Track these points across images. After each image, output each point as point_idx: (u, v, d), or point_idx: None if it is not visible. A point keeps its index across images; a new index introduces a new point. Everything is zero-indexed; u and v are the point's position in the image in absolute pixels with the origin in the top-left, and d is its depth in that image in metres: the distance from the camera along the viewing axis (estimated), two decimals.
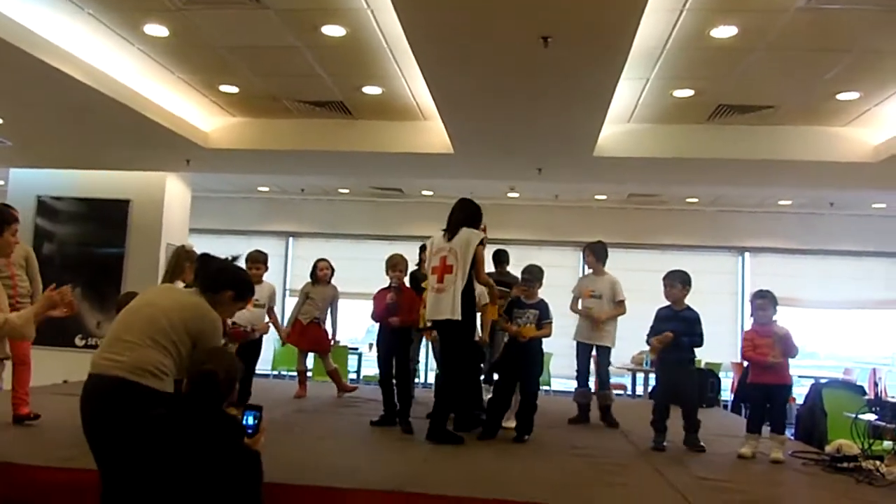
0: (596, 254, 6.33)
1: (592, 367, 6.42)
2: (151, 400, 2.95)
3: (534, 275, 5.56)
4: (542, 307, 5.45)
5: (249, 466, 2.66)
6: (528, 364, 5.39)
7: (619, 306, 6.22)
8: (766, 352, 4.98)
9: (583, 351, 6.35)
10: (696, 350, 5.41)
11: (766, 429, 5.13)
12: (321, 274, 7.04)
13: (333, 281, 7.14)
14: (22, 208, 7.16)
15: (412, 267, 6.38)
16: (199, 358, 2.76)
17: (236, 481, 2.60)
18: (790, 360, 5.06)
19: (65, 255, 9.81)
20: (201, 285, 3.29)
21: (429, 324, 5.39)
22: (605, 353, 6.28)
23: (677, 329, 5.18)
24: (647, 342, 5.36)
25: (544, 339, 5.49)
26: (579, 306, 6.39)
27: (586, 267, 6.51)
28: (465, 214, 5.23)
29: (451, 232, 5.19)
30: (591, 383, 6.46)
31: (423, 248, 7.04)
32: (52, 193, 9.98)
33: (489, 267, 5.96)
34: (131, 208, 9.86)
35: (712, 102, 6.98)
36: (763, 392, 5.08)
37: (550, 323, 5.46)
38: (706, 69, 6.11)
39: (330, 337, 7.12)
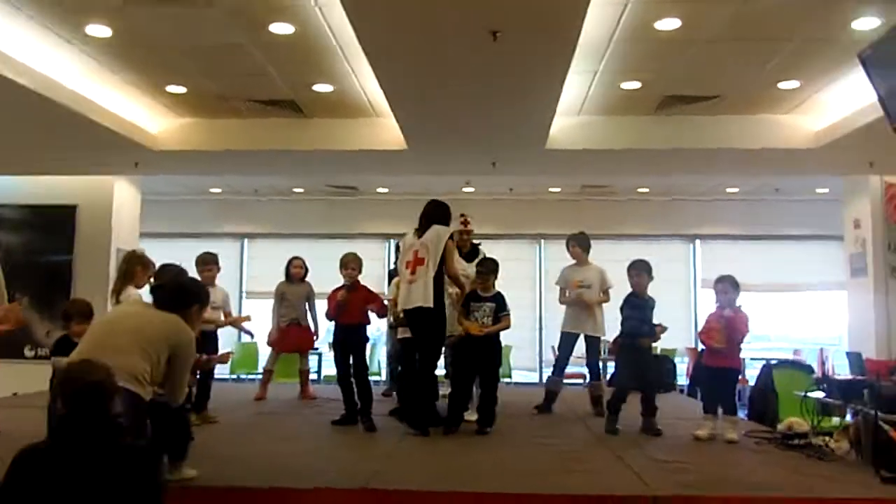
0: (581, 244, 6.43)
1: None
2: (135, 405, 3.05)
3: (489, 268, 5.61)
4: (499, 300, 5.49)
5: (143, 462, 2.61)
6: (485, 357, 5.43)
7: (607, 294, 6.30)
8: (716, 336, 5.14)
9: (567, 341, 6.39)
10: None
11: (720, 411, 5.28)
12: (294, 272, 7.01)
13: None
14: None
15: (387, 266, 6.43)
16: (74, 371, 2.70)
17: (132, 480, 2.51)
18: (742, 344, 5.22)
19: (11, 264, 9.43)
20: (167, 306, 3.41)
21: (401, 315, 5.49)
22: (594, 342, 6.33)
23: (646, 316, 5.39)
24: (637, 331, 5.44)
25: (503, 332, 5.55)
26: (566, 296, 6.43)
27: (571, 258, 6.52)
28: (436, 214, 5.54)
29: (422, 230, 5.42)
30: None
31: (398, 247, 7.09)
32: None
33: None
34: (78, 214, 9.61)
35: (659, 94, 7.11)
36: (713, 375, 5.24)
37: (508, 315, 5.51)
38: (652, 61, 6.22)
39: (314, 336, 7.07)
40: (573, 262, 6.50)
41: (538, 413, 6.32)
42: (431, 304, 5.17)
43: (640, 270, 5.52)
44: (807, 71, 6.47)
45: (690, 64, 6.26)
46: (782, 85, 6.84)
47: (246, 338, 11.61)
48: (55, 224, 9.60)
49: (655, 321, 5.49)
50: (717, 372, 5.22)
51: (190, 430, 4.06)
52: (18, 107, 6.44)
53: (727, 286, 5.22)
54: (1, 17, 5.31)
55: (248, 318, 6.83)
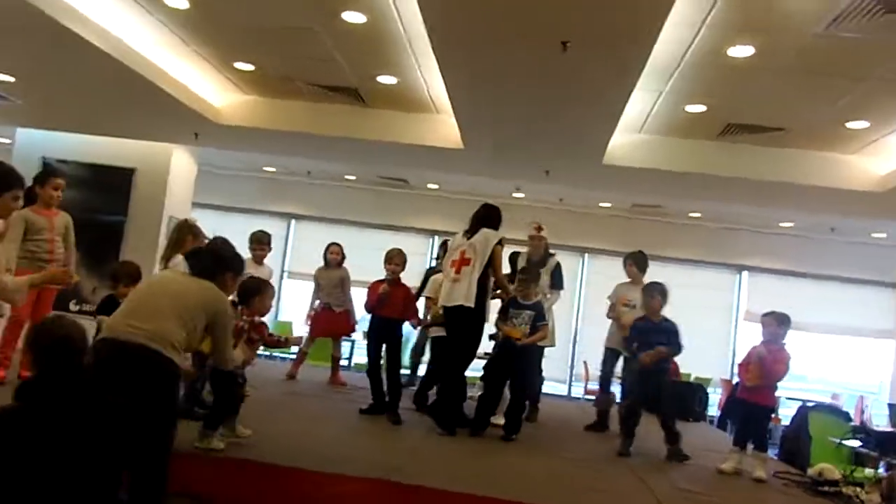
0: (637, 264, 6.34)
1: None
2: (168, 369, 3.13)
3: (531, 275, 5.60)
4: (538, 308, 5.48)
5: (118, 415, 2.60)
6: (519, 364, 5.42)
7: None
8: (748, 372, 5.07)
9: (610, 357, 6.34)
10: (686, 364, 5.47)
11: (751, 447, 5.18)
12: (331, 258, 7.09)
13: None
14: (27, 169, 7.13)
15: (429, 262, 6.46)
16: (51, 325, 2.71)
17: (108, 433, 2.53)
18: (779, 384, 5.12)
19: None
20: (202, 273, 3.46)
21: (440, 312, 5.53)
22: (631, 363, 6.22)
23: (659, 341, 5.26)
24: (632, 354, 5.40)
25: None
26: (611, 312, 6.38)
27: (626, 276, 6.44)
28: (487, 217, 5.62)
29: (471, 231, 5.52)
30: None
31: (444, 245, 7.13)
32: (57, 156, 9.93)
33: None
34: (136, 177, 9.83)
35: (723, 120, 7.00)
36: (746, 409, 5.15)
37: (546, 325, 5.49)
38: (720, 86, 6.13)
39: (349, 322, 7.12)
40: (629, 279, 6.40)
41: (589, 431, 6.29)
42: (472, 304, 5.20)
43: (653, 292, 5.42)
44: (878, 112, 6.31)
45: (758, 93, 6.15)
46: (851, 124, 6.67)
47: (282, 316, 11.90)
48: (113, 185, 9.84)
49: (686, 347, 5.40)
50: (749, 407, 5.13)
51: (237, 393, 4.20)
52: (92, 68, 6.61)
53: (772, 321, 5.13)
54: None
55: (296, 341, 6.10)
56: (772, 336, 5.09)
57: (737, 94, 6.27)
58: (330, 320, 7.05)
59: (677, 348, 5.33)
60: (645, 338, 5.30)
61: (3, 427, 2.44)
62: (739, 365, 5.27)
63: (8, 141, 10.77)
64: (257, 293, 4.27)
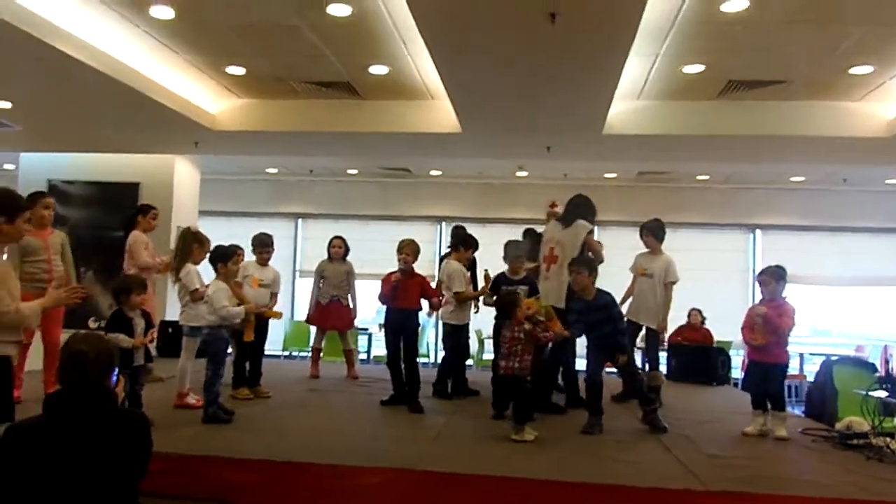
0: (654, 233, 6.16)
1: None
2: None
3: (519, 250, 5.62)
4: (530, 282, 5.48)
5: (136, 428, 2.68)
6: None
7: (667, 288, 5.98)
8: (751, 332, 5.02)
9: (631, 330, 6.23)
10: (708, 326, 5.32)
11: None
12: (333, 251, 7.07)
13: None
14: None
15: (438, 250, 6.51)
16: (72, 340, 2.77)
17: (127, 445, 2.60)
18: (790, 338, 5.05)
19: (77, 239, 9.76)
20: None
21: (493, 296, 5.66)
22: (654, 334, 6.10)
23: (598, 319, 5.04)
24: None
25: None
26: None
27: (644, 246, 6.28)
28: (580, 207, 5.80)
29: (565, 221, 5.73)
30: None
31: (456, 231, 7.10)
32: (62, 177, 10.00)
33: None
34: (141, 191, 9.86)
35: (722, 78, 6.89)
36: (759, 370, 5.10)
37: (539, 298, 5.47)
38: (716, 44, 6.02)
39: (352, 315, 7.14)
40: (647, 250, 6.26)
41: (615, 402, 6.22)
42: (563, 305, 5.29)
43: (578, 268, 5.10)
44: (881, 56, 6.17)
45: (757, 47, 6.04)
46: (854, 70, 6.54)
47: (298, 315, 11.93)
48: (119, 200, 9.86)
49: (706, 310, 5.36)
50: (761, 367, 5.08)
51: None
52: (85, 87, 6.61)
53: (768, 278, 5.07)
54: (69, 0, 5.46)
55: (278, 315, 6.38)
56: (770, 293, 5.04)
57: (734, 50, 6.16)
58: (336, 314, 7.05)
59: (620, 323, 5.17)
60: (583, 318, 5.08)
61: (29, 437, 2.54)
62: (742, 328, 5.19)
63: (13, 166, 10.85)
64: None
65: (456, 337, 6.30)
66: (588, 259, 5.30)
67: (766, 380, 5.06)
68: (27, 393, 5.00)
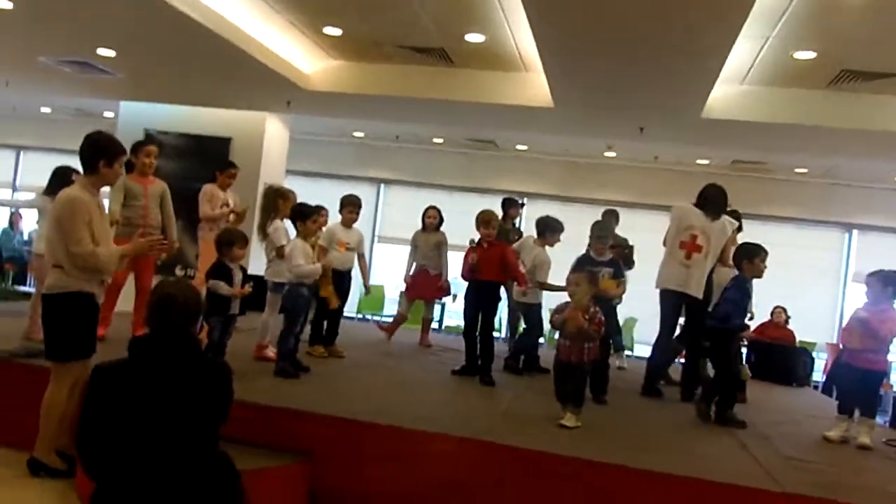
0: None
1: None
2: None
3: (604, 230, 5.51)
4: (616, 264, 5.38)
5: (219, 377, 2.74)
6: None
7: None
8: (849, 335, 4.80)
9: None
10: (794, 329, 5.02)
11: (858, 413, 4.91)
12: (428, 221, 7.09)
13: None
14: (131, 141, 7.48)
15: (521, 225, 6.45)
16: (162, 285, 2.83)
17: (209, 392, 2.68)
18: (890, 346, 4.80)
19: (169, 188, 10.21)
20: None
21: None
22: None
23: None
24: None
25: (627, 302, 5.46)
26: None
27: None
28: (719, 199, 5.65)
29: (709, 213, 5.56)
30: None
31: (508, 203, 7.02)
32: (158, 128, 10.35)
33: None
34: (232, 146, 10.12)
35: (835, 66, 6.51)
36: (853, 374, 4.86)
37: (625, 280, 5.39)
38: (832, 30, 5.69)
39: (442, 285, 7.12)
40: None
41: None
42: (700, 296, 5.37)
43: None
44: None
45: (875, 36, 5.67)
46: None
47: (374, 279, 12.07)
48: (211, 154, 10.14)
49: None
50: (856, 372, 4.83)
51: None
52: (185, 39, 6.79)
53: (876, 281, 4.81)
54: None
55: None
56: (875, 297, 4.78)
57: (851, 38, 5.81)
58: (426, 283, 7.07)
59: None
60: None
61: (114, 378, 2.63)
62: (843, 329, 4.98)
63: (112, 115, 11.30)
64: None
65: (531, 316, 6.26)
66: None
67: (860, 385, 4.83)
68: (114, 332, 5.23)
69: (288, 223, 5.50)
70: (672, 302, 5.59)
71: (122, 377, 2.63)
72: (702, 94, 6.76)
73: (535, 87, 7.50)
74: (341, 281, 5.93)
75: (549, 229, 6.23)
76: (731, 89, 7.21)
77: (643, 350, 10.86)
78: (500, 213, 6.81)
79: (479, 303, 5.61)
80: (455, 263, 6.18)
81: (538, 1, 5.17)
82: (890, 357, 4.95)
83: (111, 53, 7.80)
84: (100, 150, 3.74)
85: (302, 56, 7.97)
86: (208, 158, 10.18)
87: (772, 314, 8.69)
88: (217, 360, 3.14)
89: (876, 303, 4.77)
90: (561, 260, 6.06)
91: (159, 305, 2.72)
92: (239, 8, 6.63)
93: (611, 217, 6.88)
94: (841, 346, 5.14)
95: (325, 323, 6.04)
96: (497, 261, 5.58)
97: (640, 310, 9.21)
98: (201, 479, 2.62)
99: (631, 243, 6.65)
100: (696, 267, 5.47)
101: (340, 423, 3.95)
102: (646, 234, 7.13)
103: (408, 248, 7.23)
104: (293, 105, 8.99)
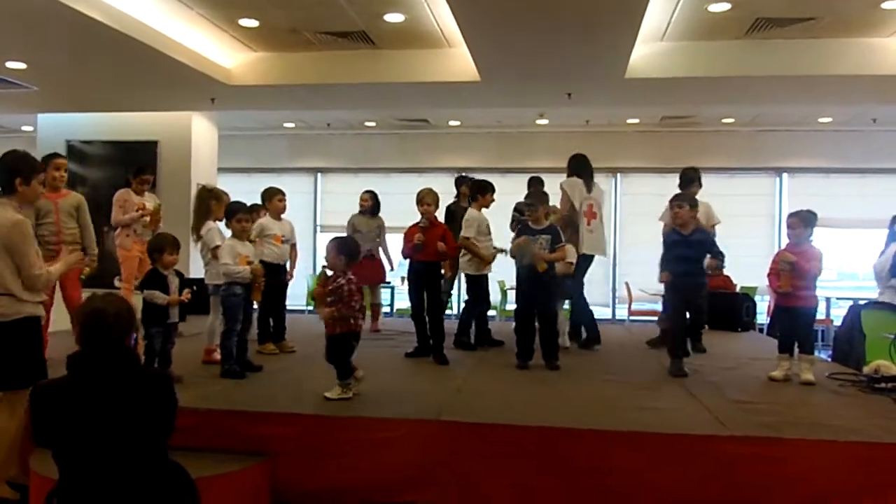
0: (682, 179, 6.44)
1: None
2: None
3: (537, 198, 5.53)
4: (553, 231, 5.41)
5: (159, 387, 2.68)
6: (542, 291, 5.36)
7: (712, 230, 6.15)
8: (777, 278, 4.94)
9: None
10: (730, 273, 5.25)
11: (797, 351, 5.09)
12: (362, 205, 7.06)
13: None
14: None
15: (446, 200, 6.42)
16: (91, 300, 2.74)
17: (151, 404, 2.61)
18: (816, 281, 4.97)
19: (97, 199, 9.87)
20: None
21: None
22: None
23: (688, 254, 5.13)
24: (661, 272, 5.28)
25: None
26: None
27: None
28: (587, 164, 6.41)
29: (588, 181, 6.33)
30: None
31: (459, 181, 7.04)
32: (81, 137, 10.03)
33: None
34: (160, 149, 9.88)
35: (750, 16, 6.66)
36: (788, 314, 5.03)
37: (564, 246, 5.43)
38: None
39: (386, 269, 7.15)
40: None
41: (651, 347, 6.37)
42: (606, 255, 5.88)
43: (681, 202, 5.24)
44: None
45: None
46: (886, 5, 6.31)
47: (320, 270, 11.99)
48: (138, 159, 9.81)
49: (728, 255, 5.29)
50: (789, 311, 5.01)
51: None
52: (99, 45, 6.57)
53: (797, 221, 4.96)
54: None
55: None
56: (797, 237, 4.93)
57: None
58: (369, 268, 7.05)
59: (719, 256, 5.23)
60: (674, 251, 5.18)
61: (54, 398, 2.58)
62: (769, 275, 5.11)
63: (30, 128, 10.88)
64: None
65: (476, 287, 6.28)
66: (692, 196, 5.47)
67: (795, 324, 5.00)
68: (52, 352, 5.07)
69: (222, 224, 5.40)
70: (586, 266, 6.29)
71: (62, 396, 2.56)
72: (623, 54, 6.84)
73: (460, 62, 7.49)
74: (279, 274, 5.86)
75: (480, 190, 6.23)
76: (651, 48, 7.32)
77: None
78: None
79: (424, 282, 5.62)
80: (394, 243, 6.16)
81: None
82: (826, 293, 5.14)
83: (21, 66, 7.51)
84: (14, 170, 3.65)
85: (221, 51, 7.78)
86: (136, 164, 9.88)
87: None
88: (156, 370, 3.08)
89: (798, 243, 4.92)
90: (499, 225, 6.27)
91: (90, 321, 2.63)
92: (150, 7, 6.43)
93: (537, 184, 6.94)
94: (770, 289, 5.29)
95: (272, 320, 5.98)
96: (439, 240, 5.59)
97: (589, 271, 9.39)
98: (151, 492, 2.58)
99: None
100: (597, 229, 6.29)
101: (296, 419, 3.92)
102: None
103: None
104: (218, 102, 8.80)
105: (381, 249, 7.24)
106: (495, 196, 6.32)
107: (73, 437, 2.52)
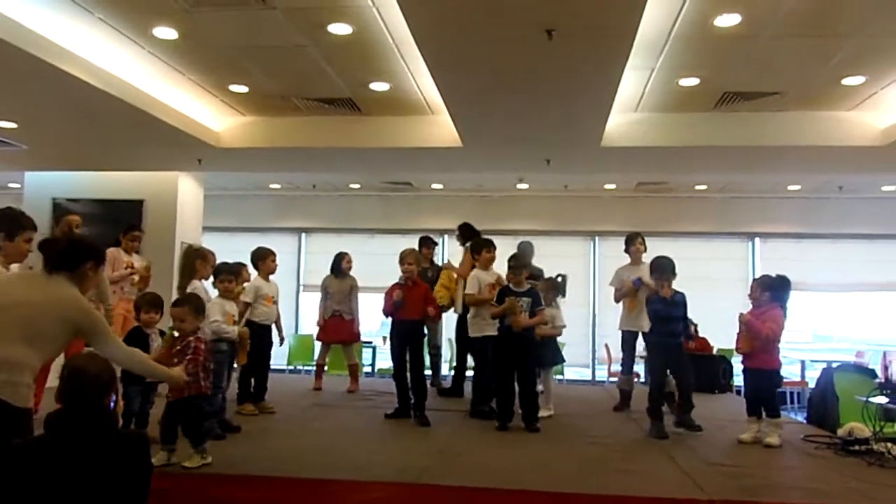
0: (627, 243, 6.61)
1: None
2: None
3: (520, 262, 5.66)
4: (534, 294, 5.53)
5: (135, 449, 2.65)
6: (523, 353, 5.45)
7: None
8: (742, 337, 5.13)
9: (627, 339, 6.39)
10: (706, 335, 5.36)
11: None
12: (346, 266, 7.17)
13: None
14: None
15: (443, 260, 6.56)
16: (72, 359, 2.73)
17: (125, 466, 2.57)
18: (791, 344, 5.15)
19: None
20: (56, 267, 3.05)
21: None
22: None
23: (676, 314, 5.42)
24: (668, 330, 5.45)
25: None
26: (619, 291, 6.44)
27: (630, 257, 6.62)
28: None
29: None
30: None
31: (422, 242, 7.21)
32: (67, 195, 10.09)
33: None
34: (145, 208, 9.95)
35: (718, 90, 6.98)
36: (751, 375, 5.17)
37: (543, 310, 5.55)
38: (711, 57, 6.12)
39: (355, 329, 7.22)
40: (629, 262, 6.47)
41: (616, 412, 6.40)
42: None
43: (668, 274, 5.49)
44: (873, 66, 6.27)
45: (751, 60, 6.13)
46: (847, 81, 6.63)
47: (303, 329, 11.99)
48: (124, 218, 9.90)
49: (698, 320, 5.50)
50: (752, 372, 5.17)
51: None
52: (89, 106, 6.71)
53: (754, 286, 5.24)
54: (72, 20, 5.54)
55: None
56: (757, 301, 5.15)
57: (729, 64, 6.26)
58: (340, 328, 7.13)
59: (687, 321, 5.56)
60: (665, 310, 5.41)
61: (28, 458, 2.52)
62: (736, 338, 5.31)
63: (18, 186, 10.94)
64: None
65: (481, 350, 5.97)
66: (671, 261, 5.62)
67: (757, 385, 5.13)
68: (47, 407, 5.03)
69: (208, 284, 5.47)
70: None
71: (33, 456, 2.52)
72: (599, 123, 7.11)
73: (443, 128, 7.72)
74: (266, 335, 5.91)
75: (475, 249, 6.14)
76: (625, 117, 7.61)
77: (572, 373, 11.15)
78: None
79: (406, 341, 5.69)
80: (376, 303, 6.20)
81: (435, 52, 5.41)
82: (790, 355, 5.31)
83: (12, 125, 7.62)
84: None
85: (210, 114, 7.97)
86: (121, 222, 9.93)
87: None
88: (133, 431, 3.03)
89: (759, 306, 5.12)
90: None
91: (70, 379, 2.64)
92: (142, 72, 6.61)
93: (527, 248, 7.11)
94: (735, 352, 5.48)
95: (253, 380, 5.99)
96: (420, 299, 5.69)
97: (569, 334, 9.50)
98: None
99: (564, 272, 6.59)
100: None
101: (273, 482, 3.91)
102: (561, 259, 7.42)
103: None
104: (205, 163, 8.94)
105: (353, 309, 7.29)
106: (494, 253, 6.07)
107: (43, 500, 2.45)
